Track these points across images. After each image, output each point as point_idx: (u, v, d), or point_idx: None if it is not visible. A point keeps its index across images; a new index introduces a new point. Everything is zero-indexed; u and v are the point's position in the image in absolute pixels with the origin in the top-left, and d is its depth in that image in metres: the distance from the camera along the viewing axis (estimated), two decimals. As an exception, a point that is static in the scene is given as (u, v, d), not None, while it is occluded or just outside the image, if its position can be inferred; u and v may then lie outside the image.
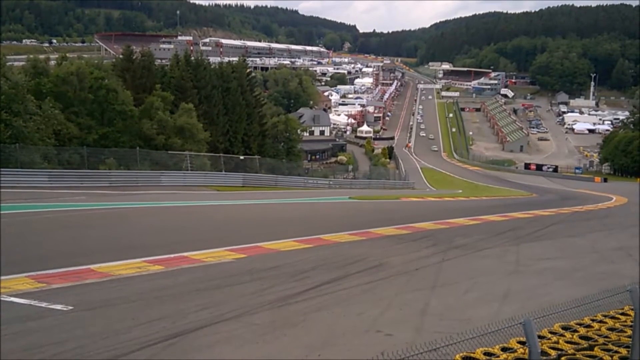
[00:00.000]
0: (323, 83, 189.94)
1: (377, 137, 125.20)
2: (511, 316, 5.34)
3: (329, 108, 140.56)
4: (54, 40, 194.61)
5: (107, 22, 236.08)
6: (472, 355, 5.98)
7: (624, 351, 6.21)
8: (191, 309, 9.33)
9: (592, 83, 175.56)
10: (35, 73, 35.27)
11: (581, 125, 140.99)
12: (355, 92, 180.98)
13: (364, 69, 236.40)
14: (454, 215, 26.44)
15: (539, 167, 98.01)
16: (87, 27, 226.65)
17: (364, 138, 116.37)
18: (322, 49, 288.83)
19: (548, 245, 18.35)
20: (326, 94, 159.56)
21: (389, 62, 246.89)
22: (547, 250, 17.25)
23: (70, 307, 9.01)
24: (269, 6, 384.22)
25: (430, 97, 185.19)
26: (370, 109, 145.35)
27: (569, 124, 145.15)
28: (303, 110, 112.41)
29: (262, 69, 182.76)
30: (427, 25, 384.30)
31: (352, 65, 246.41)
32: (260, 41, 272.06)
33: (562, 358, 6.16)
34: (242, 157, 42.20)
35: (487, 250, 16.51)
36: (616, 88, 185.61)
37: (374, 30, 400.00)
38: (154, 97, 39.84)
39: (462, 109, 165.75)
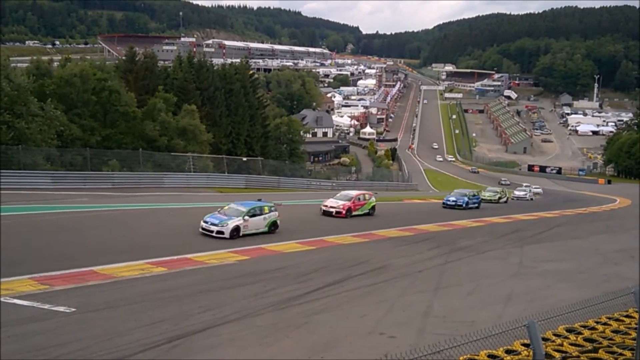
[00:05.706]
0: (326, 84, 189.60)
1: (380, 138, 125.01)
2: (515, 318, 5.32)
3: (332, 110, 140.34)
4: (57, 42, 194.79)
5: (110, 23, 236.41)
6: (476, 357, 5.96)
7: (628, 353, 6.18)
8: (194, 310, 9.33)
9: (596, 84, 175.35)
10: (39, 74, 35.23)
11: (585, 127, 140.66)
12: (358, 93, 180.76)
13: (367, 71, 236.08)
14: (457, 217, 26.46)
15: (543, 169, 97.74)
16: (90, 28, 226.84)
17: (367, 140, 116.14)
18: (325, 51, 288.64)
19: (551, 247, 18.33)
20: (329, 95, 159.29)
21: (392, 63, 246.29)
22: (550, 252, 17.24)
23: (73, 309, 9.02)
24: (272, 7, 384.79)
25: (429, 99, 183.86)
26: (373, 110, 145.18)
27: (572, 126, 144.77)
28: (306, 112, 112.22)
29: (265, 70, 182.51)
30: (430, 27, 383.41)
31: (355, 67, 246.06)
32: (263, 42, 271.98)
33: (566, 360, 6.13)
34: (244, 159, 42.17)
35: (491, 252, 16.51)
36: (620, 89, 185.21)
37: (377, 31, 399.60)
38: (156, 99, 39.82)
39: (466, 111, 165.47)
